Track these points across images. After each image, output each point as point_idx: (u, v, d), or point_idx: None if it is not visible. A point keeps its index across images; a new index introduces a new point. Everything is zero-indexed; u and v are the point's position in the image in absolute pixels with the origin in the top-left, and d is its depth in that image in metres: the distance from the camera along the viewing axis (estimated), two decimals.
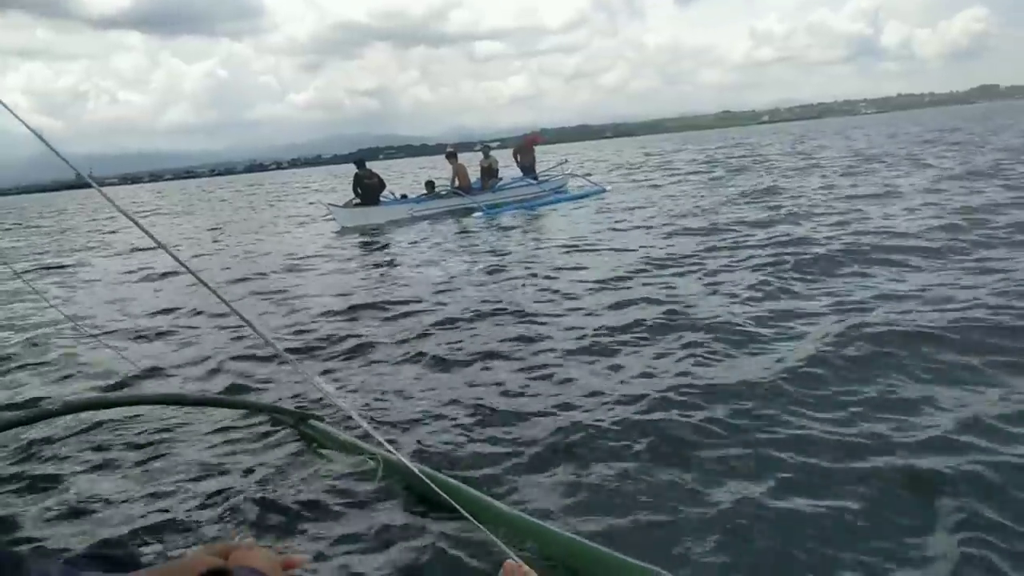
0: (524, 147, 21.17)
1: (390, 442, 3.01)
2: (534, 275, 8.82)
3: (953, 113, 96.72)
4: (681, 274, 7.96)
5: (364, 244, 14.16)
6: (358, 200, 17.61)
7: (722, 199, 15.45)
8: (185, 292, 9.76)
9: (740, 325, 5.68)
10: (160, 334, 7.47)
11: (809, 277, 7.15)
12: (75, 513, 3.51)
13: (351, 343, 6.37)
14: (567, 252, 10.47)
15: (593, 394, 4.50)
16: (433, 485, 2.56)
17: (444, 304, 7.68)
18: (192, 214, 31.15)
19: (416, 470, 2.69)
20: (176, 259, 2.27)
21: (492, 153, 20.18)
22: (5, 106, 2.28)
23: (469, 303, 7.54)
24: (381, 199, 17.92)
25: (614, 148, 78.31)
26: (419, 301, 7.94)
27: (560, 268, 9.23)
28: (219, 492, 3.59)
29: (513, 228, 14.34)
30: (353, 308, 7.91)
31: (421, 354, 5.80)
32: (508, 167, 21.67)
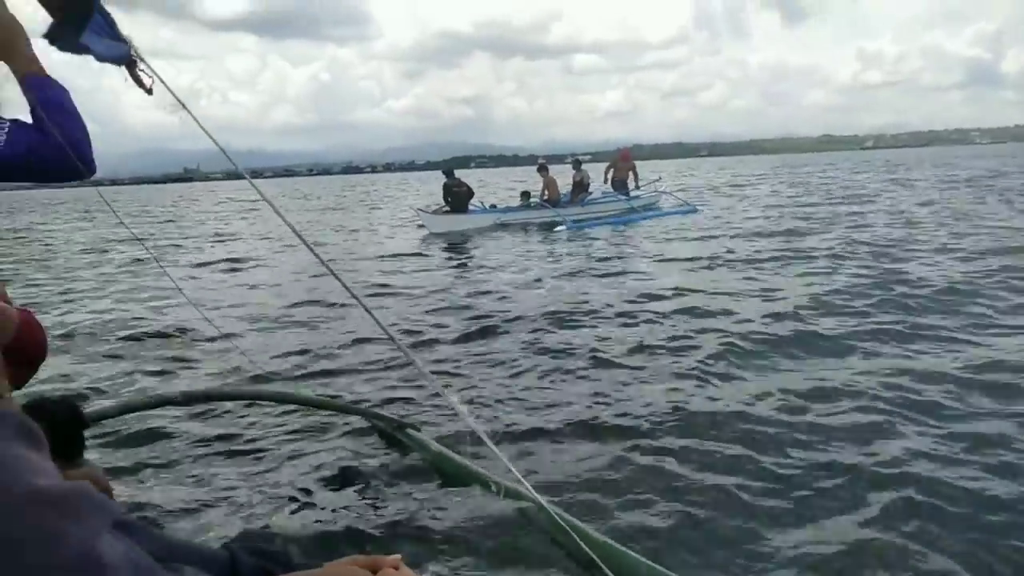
0: (617, 162, 21.05)
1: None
2: (610, 284, 8.87)
3: None
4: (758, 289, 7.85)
5: (451, 249, 14.54)
6: (447, 208, 17.96)
7: (805, 229, 15.08)
8: (303, 283, 10.19)
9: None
10: (278, 327, 7.73)
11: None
12: (185, 501, 3.61)
13: (438, 343, 6.61)
14: (645, 267, 10.55)
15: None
16: (566, 526, 2.42)
17: (513, 311, 7.81)
18: (299, 210, 32.32)
19: (547, 505, 2.50)
20: (321, 261, 2.26)
21: (584, 167, 20.16)
22: (195, 119, 2.40)
23: (538, 312, 7.64)
24: (470, 207, 18.22)
25: (707, 168, 77.32)
26: (500, 309, 8.09)
27: (635, 281, 9.31)
28: (322, 495, 3.63)
29: (593, 243, 14.42)
30: (435, 311, 8.13)
31: (506, 363, 5.90)
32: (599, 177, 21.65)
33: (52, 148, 1.87)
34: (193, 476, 3.92)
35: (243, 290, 10.43)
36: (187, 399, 4.22)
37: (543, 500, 2.53)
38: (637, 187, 21.14)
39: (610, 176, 20.89)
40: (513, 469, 2.31)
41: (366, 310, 2.36)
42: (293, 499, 3.59)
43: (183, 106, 2.31)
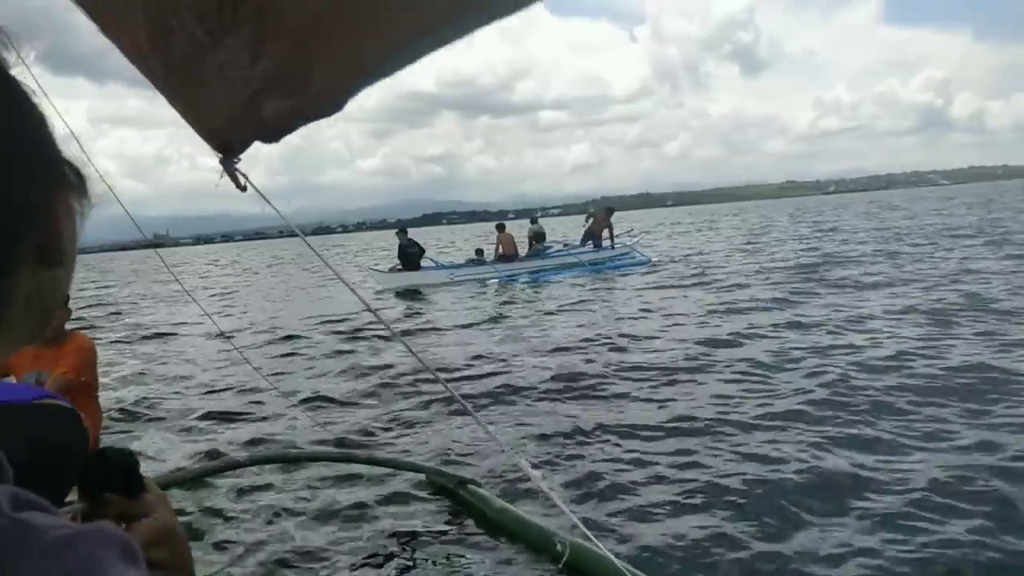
0: (596, 214, 21.49)
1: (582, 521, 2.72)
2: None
3: None
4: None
5: (400, 304, 15.36)
6: (400, 266, 18.62)
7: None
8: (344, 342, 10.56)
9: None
10: (330, 386, 7.74)
11: None
12: (268, 560, 3.68)
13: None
14: (543, 319, 11.63)
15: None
16: None
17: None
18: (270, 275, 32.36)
19: (617, 562, 2.41)
20: (378, 317, 2.21)
21: (540, 221, 21.30)
22: (280, 214, 2.76)
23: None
24: (422, 265, 18.86)
25: (658, 218, 75.28)
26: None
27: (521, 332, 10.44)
28: (384, 553, 3.70)
29: (539, 292, 15.46)
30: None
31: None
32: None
33: None
34: (258, 538, 3.95)
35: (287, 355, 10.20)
36: (254, 462, 4.48)
37: (612, 556, 2.47)
38: (612, 244, 21.27)
39: (588, 224, 21.15)
40: (581, 525, 2.20)
41: (438, 379, 2.25)
42: (356, 557, 3.68)
43: (268, 203, 2.81)
